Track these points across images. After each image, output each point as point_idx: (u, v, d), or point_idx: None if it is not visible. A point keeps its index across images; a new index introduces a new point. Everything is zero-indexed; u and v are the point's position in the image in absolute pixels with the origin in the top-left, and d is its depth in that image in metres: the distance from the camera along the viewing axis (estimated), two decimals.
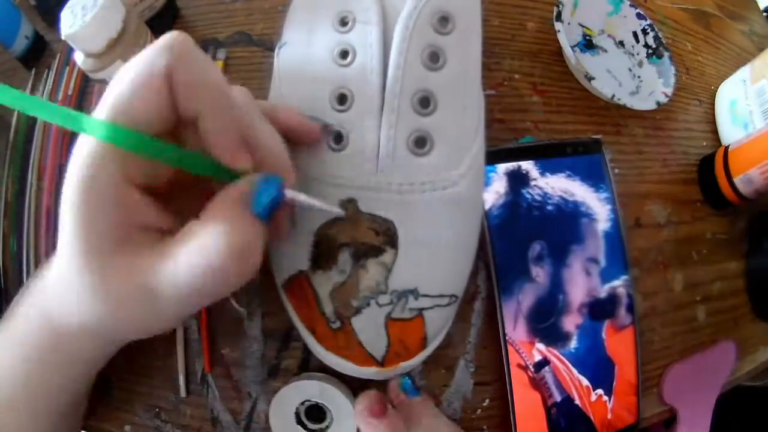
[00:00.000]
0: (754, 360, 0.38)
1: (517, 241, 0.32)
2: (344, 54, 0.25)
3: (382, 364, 0.25)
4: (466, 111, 0.27)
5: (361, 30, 0.25)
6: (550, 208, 0.33)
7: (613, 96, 0.36)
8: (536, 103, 0.38)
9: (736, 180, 0.36)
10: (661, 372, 0.35)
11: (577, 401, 0.31)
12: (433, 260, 0.25)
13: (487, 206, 0.32)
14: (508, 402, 0.31)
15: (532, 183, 0.33)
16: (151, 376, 0.31)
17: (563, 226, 0.33)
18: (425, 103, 0.25)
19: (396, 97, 0.25)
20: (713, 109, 0.43)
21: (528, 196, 0.33)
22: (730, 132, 0.41)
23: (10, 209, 0.36)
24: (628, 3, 0.40)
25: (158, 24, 0.36)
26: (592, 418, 0.31)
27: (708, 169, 0.39)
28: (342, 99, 0.25)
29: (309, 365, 0.31)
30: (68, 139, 0.36)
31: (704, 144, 0.41)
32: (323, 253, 0.25)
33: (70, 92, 0.37)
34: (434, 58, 0.25)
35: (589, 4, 0.40)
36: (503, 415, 0.31)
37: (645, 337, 0.35)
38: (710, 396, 0.36)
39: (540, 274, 0.32)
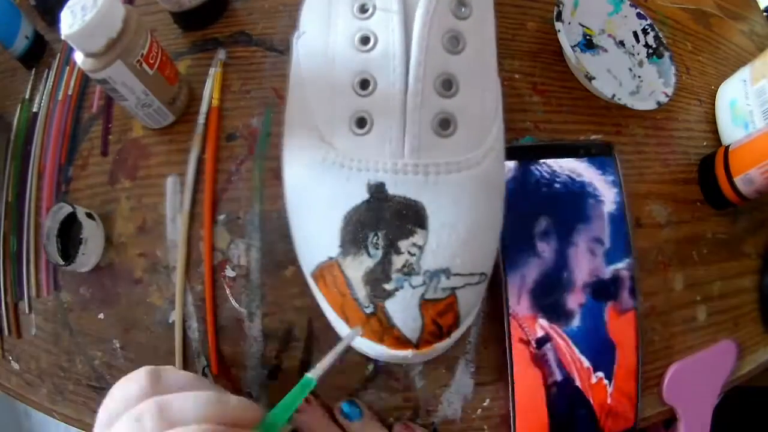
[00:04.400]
0: (754, 360, 0.38)
1: (524, 214, 0.33)
2: (365, 40, 0.26)
3: (417, 346, 0.25)
4: (486, 92, 0.28)
5: (382, 16, 0.26)
6: (557, 185, 0.34)
7: (614, 96, 0.36)
8: (536, 103, 0.38)
9: (737, 180, 0.36)
10: (661, 372, 0.35)
11: (578, 382, 0.32)
12: (462, 239, 0.25)
13: None
14: (508, 402, 0.31)
15: (541, 161, 0.34)
16: None
17: (570, 204, 0.34)
18: (447, 85, 0.26)
19: (420, 80, 0.25)
20: (713, 109, 0.43)
21: (537, 172, 0.33)
22: (730, 132, 0.41)
23: (10, 209, 0.36)
24: (629, 3, 0.40)
25: (205, 14, 0.37)
26: (591, 401, 0.32)
27: (708, 169, 0.39)
28: (364, 84, 0.26)
29: (309, 366, 0.31)
30: (68, 139, 0.36)
31: (704, 144, 0.41)
32: (354, 238, 0.25)
33: (70, 92, 0.37)
34: (454, 42, 0.26)
35: (589, 3, 0.40)
36: (503, 415, 0.31)
37: (645, 337, 0.35)
38: (710, 396, 0.36)
39: (545, 249, 0.32)
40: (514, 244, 0.32)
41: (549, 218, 0.33)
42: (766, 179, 0.35)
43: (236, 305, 0.32)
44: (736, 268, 0.39)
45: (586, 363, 0.32)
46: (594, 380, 0.32)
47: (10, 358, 0.34)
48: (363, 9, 0.26)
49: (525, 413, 0.31)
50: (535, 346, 0.31)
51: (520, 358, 0.31)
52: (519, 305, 0.31)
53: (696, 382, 0.35)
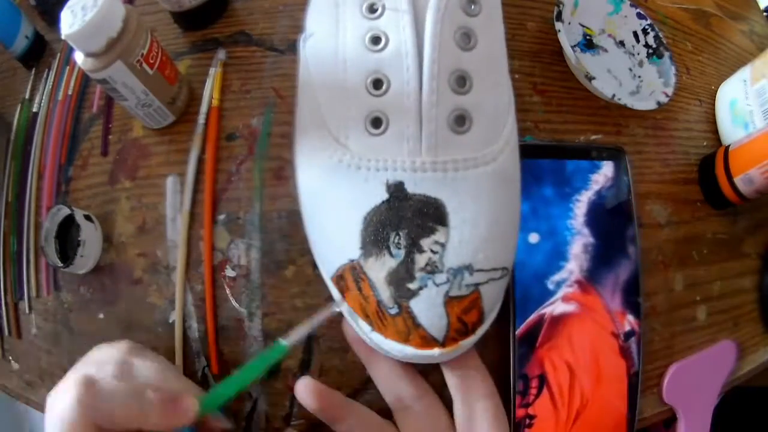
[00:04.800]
0: (754, 360, 0.38)
1: (619, 219, 0.35)
2: (376, 40, 0.26)
3: (443, 344, 0.25)
4: (498, 88, 0.28)
5: (392, 15, 0.26)
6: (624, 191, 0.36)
7: (614, 96, 0.36)
8: (536, 103, 0.38)
9: (737, 180, 0.36)
10: (661, 372, 0.35)
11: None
12: (483, 234, 0.25)
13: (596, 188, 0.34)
14: (509, 404, 0.31)
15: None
16: None
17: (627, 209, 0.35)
18: (461, 82, 0.26)
19: (434, 78, 0.25)
20: (713, 109, 0.43)
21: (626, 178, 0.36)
22: (730, 132, 0.41)
23: (10, 209, 0.36)
24: (629, 3, 0.40)
25: (205, 14, 0.36)
26: None
27: (708, 169, 0.39)
28: (377, 84, 0.26)
29: (310, 366, 0.31)
30: (68, 139, 0.36)
31: (704, 144, 0.41)
32: (375, 239, 0.25)
33: (70, 92, 0.37)
34: (466, 39, 0.26)
35: (589, 3, 0.40)
36: None
37: (645, 337, 0.35)
38: (710, 396, 0.36)
39: (633, 252, 0.34)
40: (610, 244, 0.34)
41: (631, 223, 0.35)
42: (766, 179, 0.35)
43: (236, 305, 0.32)
44: (736, 268, 0.39)
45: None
46: None
47: (10, 358, 0.34)
48: (372, 9, 0.27)
49: (609, 400, 0.32)
50: (623, 339, 0.33)
51: (610, 349, 0.33)
52: (613, 301, 0.33)
53: (696, 382, 0.36)
